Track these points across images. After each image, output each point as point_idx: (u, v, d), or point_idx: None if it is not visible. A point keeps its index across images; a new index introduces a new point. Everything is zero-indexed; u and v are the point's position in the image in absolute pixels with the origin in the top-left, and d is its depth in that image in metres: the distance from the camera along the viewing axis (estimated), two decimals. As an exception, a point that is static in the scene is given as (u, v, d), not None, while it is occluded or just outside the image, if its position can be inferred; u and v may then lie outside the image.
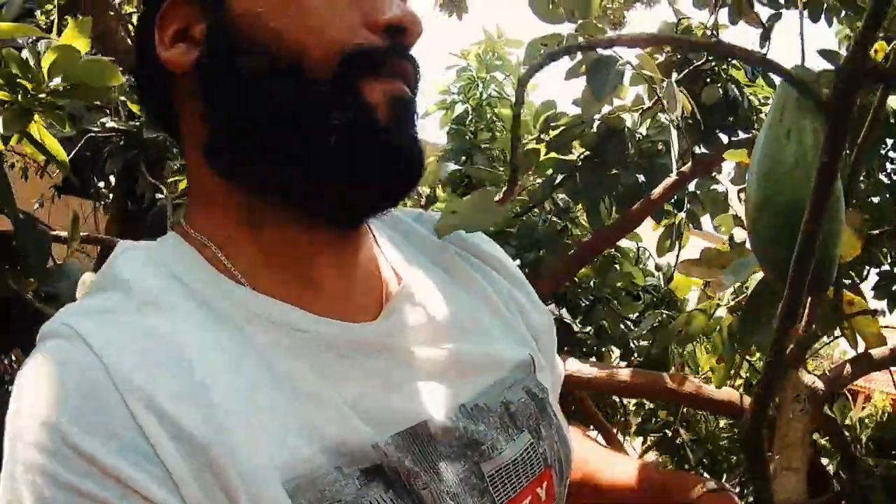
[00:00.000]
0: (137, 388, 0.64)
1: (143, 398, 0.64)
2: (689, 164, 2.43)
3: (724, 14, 2.46)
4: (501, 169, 3.31)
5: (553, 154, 2.59)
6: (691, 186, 2.85)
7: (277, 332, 0.73)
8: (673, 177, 2.34)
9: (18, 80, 1.50)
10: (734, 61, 2.49)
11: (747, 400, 2.31)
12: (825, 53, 2.13)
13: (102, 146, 2.92)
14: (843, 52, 2.76)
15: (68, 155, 2.74)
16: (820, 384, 1.40)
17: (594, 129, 2.52)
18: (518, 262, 2.73)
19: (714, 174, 2.57)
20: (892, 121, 2.00)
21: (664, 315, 3.38)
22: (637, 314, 3.34)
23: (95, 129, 2.75)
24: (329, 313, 0.77)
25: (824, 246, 0.85)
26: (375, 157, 0.76)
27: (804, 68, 0.94)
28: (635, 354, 3.31)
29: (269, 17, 0.75)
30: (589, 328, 3.24)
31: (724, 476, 4.69)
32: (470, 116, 3.55)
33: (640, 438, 3.85)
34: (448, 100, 3.72)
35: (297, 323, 0.75)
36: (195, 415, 0.65)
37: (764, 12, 2.45)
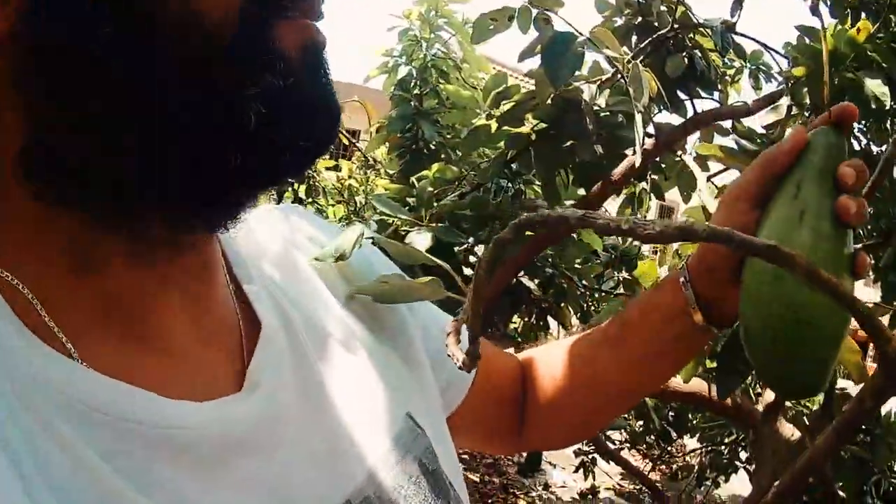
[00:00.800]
0: None
1: None
2: (652, 140, 2.27)
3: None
4: (449, 136, 3.15)
5: (505, 128, 2.41)
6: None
7: (111, 430, 0.54)
8: (636, 155, 2.17)
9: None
10: (700, 28, 2.33)
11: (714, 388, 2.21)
12: (803, 29, 2.00)
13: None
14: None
15: None
16: (799, 435, 1.27)
17: (549, 102, 2.34)
18: (471, 240, 2.59)
19: (678, 151, 2.43)
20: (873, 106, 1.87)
21: (624, 277, 3.33)
22: (596, 275, 3.23)
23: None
24: (181, 388, 0.59)
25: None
26: (296, 122, 0.60)
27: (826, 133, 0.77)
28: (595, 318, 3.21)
29: None
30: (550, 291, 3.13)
31: (688, 435, 4.75)
32: (414, 80, 3.36)
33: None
34: (390, 63, 3.52)
35: (137, 413, 0.55)
36: None
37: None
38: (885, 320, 3.91)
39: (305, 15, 0.61)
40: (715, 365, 1.84)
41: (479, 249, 2.57)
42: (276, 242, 0.81)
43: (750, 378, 2.71)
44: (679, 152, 2.43)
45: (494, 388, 1.03)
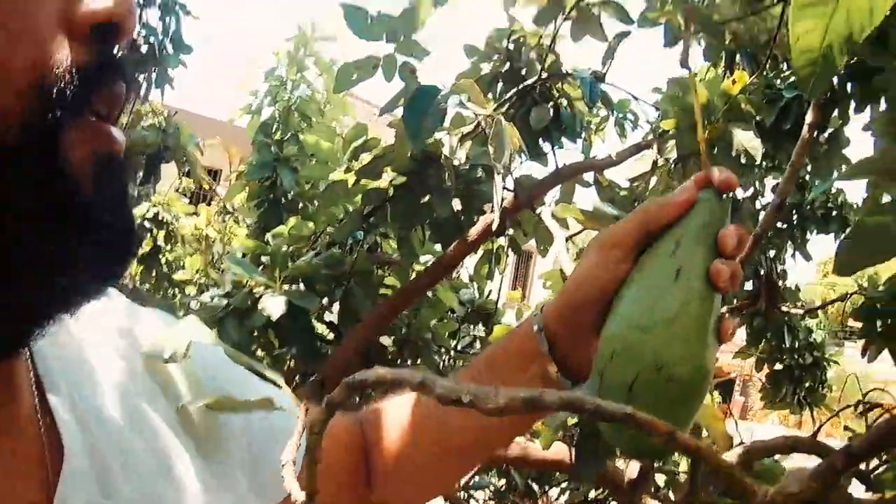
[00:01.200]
0: None
1: None
2: (512, 196, 2.19)
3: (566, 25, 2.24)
4: (308, 186, 3.02)
5: (363, 181, 2.29)
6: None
7: None
8: (494, 216, 2.08)
9: None
10: (569, 79, 2.27)
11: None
12: (674, 80, 1.99)
13: None
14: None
15: None
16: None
17: (409, 155, 2.24)
18: (326, 299, 2.46)
19: (536, 207, 2.35)
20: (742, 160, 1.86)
21: (481, 332, 3.24)
22: (452, 332, 3.11)
23: None
24: None
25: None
26: (82, 257, 0.51)
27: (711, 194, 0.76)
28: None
29: None
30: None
31: (556, 488, 4.69)
32: (276, 123, 3.22)
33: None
34: (254, 105, 3.39)
35: None
36: None
37: (611, 27, 2.23)
38: (750, 363, 3.93)
39: (101, 118, 0.52)
40: (576, 440, 1.76)
41: (336, 307, 2.45)
42: (102, 343, 0.70)
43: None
44: (537, 209, 2.35)
45: (333, 464, 0.92)
